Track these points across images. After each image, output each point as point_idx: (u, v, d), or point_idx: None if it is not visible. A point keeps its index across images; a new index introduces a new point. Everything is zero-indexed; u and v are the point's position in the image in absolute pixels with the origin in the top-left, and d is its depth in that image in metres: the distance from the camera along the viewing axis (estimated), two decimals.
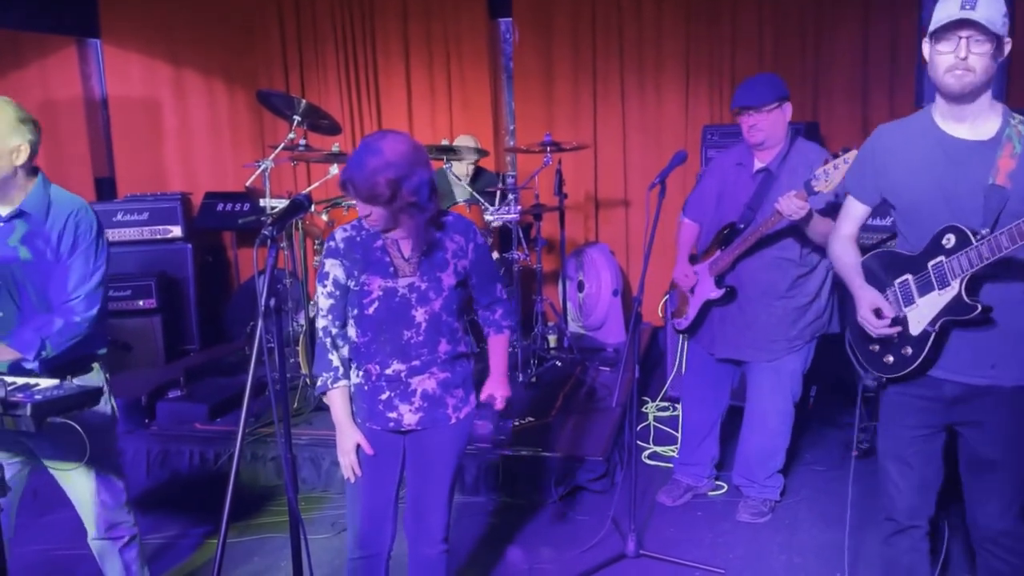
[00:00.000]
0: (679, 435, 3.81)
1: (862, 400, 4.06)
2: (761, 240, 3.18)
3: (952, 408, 2.22)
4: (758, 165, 3.29)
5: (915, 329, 2.20)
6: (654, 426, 4.44)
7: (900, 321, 2.23)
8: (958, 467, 2.33)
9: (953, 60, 2.02)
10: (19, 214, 2.34)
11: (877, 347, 2.30)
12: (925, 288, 2.17)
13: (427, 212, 2.26)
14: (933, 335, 2.15)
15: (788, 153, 3.23)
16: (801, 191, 2.88)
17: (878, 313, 2.24)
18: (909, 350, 2.21)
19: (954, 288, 2.10)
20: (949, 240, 2.10)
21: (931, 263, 2.15)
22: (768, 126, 3.17)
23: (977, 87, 2.04)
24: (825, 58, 5.30)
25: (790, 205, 2.90)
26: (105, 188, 6.24)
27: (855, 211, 2.37)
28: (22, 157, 2.31)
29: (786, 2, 5.31)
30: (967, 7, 1.98)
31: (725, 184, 3.40)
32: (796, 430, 3.57)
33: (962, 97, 2.06)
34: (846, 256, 2.38)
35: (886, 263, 2.30)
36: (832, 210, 3.02)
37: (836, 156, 2.77)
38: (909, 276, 2.22)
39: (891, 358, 2.26)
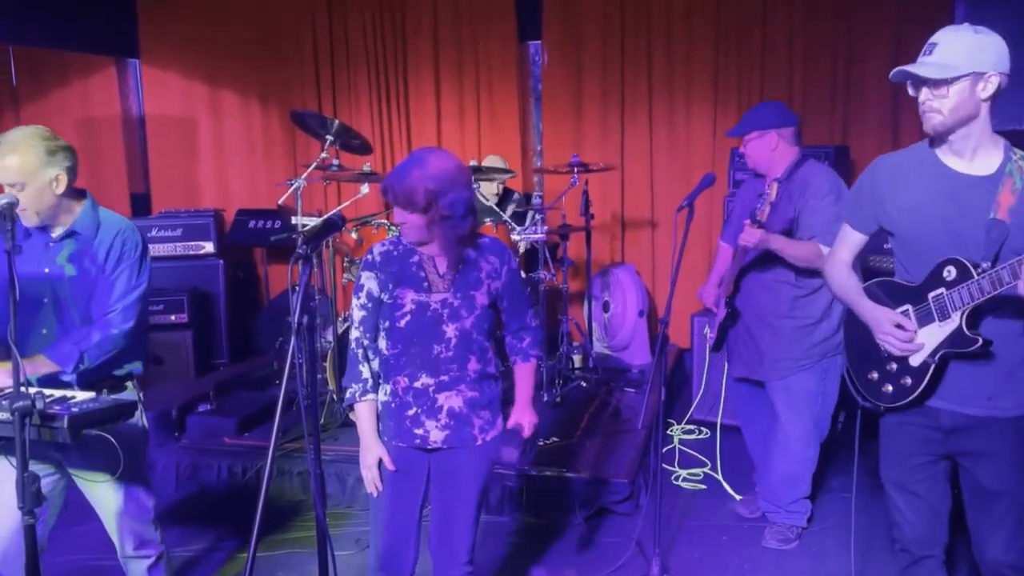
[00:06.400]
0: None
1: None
2: (757, 263, 3.30)
3: (950, 438, 2.21)
4: (763, 190, 3.35)
5: (915, 360, 2.20)
6: (679, 449, 4.41)
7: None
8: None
9: (920, 103, 2.09)
10: (70, 234, 2.41)
11: (876, 375, 2.30)
12: (925, 319, 2.18)
13: (460, 229, 2.29)
14: (933, 366, 2.15)
15: (790, 177, 3.29)
16: (750, 221, 3.07)
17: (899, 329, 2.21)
18: (908, 380, 2.21)
19: (955, 321, 2.11)
20: (950, 272, 2.10)
21: (932, 295, 2.15)
22: (751, 154, 3.33)
23: (949, 127, 2.07)
24: (856, 82, 5.27)
25: (747, 236, 3.09)
26: (140, 204, 6.37)
27: (852, 239, 2.38)
28: (62, 186, 2.38)
29: (816, 25, 5.30)
30: (925, 53, 2.07)
31: (746, 208, 3.46)
32: (823, 457, 3.53)
33: (940, 135, 2.11)
34: (844, 279, 2.38)
35: (886, 291, 2.30)
36: (791, 233, 3.21)
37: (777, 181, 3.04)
38: (909, 307, 2.22)
39: (890, 387, 2.26)
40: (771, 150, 3.28)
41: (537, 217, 4.67)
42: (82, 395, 2.22)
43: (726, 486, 3.95)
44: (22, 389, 1.94)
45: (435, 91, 6.06)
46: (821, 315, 3.29)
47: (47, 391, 2.16)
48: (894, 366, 2.25)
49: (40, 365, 2.32)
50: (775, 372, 3.35)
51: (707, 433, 4.52)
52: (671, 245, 4.88)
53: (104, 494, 2.53)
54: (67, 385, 2.36)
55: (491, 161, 5.30)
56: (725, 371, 3.75)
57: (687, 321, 4.80)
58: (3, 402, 2.04)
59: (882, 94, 5.21)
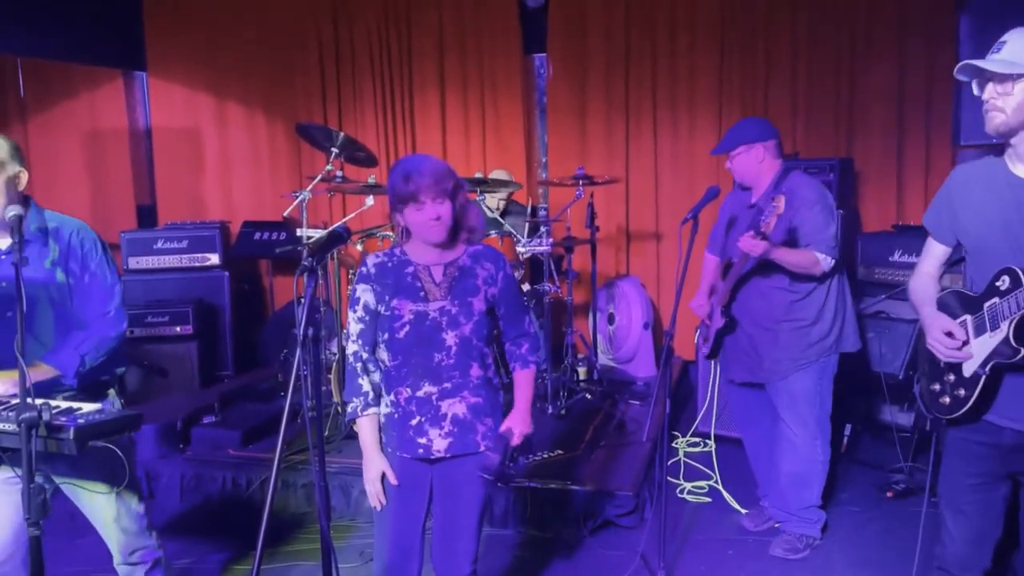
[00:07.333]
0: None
1: (898, 441, 4.07)
2: (751, 272, 3.36)
3: (1012, 456, 2.16)
4: (751, 202, 3.46)
5: (967, 370, 2.17)
6: (684, 461, 4.40)
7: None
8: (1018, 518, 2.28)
9: (984, 102, 2.07)
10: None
11: (937, 387, 2.27)
12: (980, 329, 2.14)
13: (473, 219, 2.37)
14: (984, 377, 2.11)
15: (777, 189, 3.32)
16: (754, 232, 3.10)
17: (950, 336, 2.19)
18: (962, 392, 2.18)
19: (1003, 331, 2.06)
20: (1004, 282, 2.07)
21: (987, 304, 2.12)
22: (739, 168, 3.41)
23: (1012, 127, 2.04)
24: (860, 94, 5.28)
25: (746, 244, 3.11)
26: (146, 216, 6.41)
27: (935, 250, 2.37)
28: (23, 183, 2.36)
29: (820, 38, 5.32)
30: (993, 52, 2.04)
31: (735, 219, 3.55)
32: (830, 470, 3.52)
33: (1004, 136, 2.07)
34: (923, 290, 2.36)
35: (955, 302, 2.27)
36: (793, 242, 3.26)
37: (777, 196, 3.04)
38: (968, 317, 2.19)
39: (947, 399, 2.22)
40: (758, 163, 3.36)
41: (542, 229, 4.68)
42: (88, 406, 2.22)
43: (730, 499, 3.94)
44: (28, 400, 1.94)
45: (440, 103, 6.08)
46: (815, 317, 3.35)
47: (53, 402, 2.17)
48: (951, 377, 2.21)
49: (43, 372, 2.32)
50: (776, 372, 3.41)
51: (712, 446, 4.50)
52: (676, 257, 4.89)
53: (100, 504, 2.52)
54: (66, 389, 2.36)
55: (496, 175, 5.31)
56: (713, 384, 3.78)
57: (692, 333, 4.78)
58: (9, 414, 2.04)
59: (886, 105, 5.22)
